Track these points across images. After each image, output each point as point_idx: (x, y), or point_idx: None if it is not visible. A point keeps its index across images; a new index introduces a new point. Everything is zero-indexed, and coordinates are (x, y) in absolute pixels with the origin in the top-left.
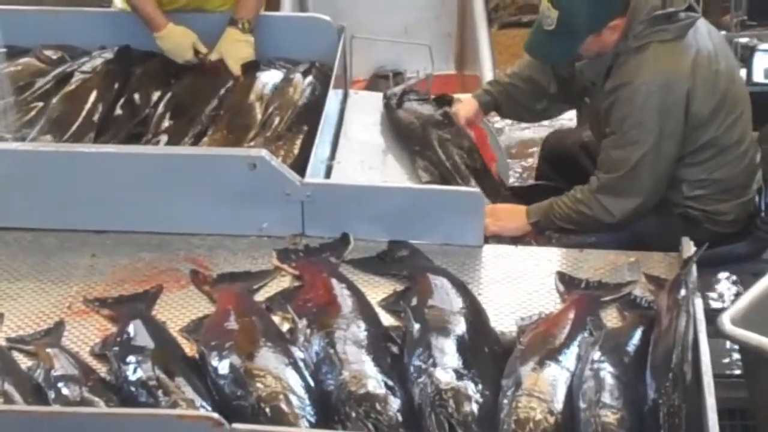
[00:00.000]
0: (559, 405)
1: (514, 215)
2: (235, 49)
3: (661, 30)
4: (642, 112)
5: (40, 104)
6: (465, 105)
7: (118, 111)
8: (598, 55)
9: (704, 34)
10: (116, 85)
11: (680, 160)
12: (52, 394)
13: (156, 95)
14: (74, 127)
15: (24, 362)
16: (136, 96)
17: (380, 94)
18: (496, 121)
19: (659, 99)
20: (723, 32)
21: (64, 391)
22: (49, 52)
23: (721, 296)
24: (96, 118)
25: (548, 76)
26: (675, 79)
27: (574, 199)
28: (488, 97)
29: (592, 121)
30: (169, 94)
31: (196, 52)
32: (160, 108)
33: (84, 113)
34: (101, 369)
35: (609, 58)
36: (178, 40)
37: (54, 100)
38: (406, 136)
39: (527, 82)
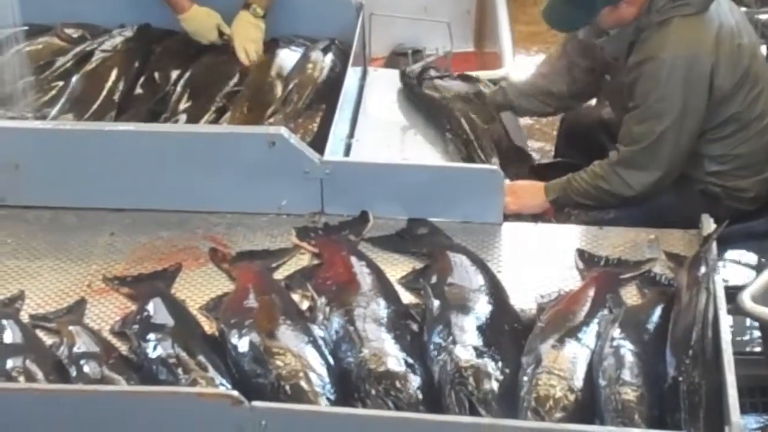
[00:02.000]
0: (579, 382)
1: (532, 192)
2: (244, 29)
3: (683, 4)
4: (666, 86)
5: (61, 83)
6: None
7: (139, 90)
8: (616, 27)
9: (726, 9)
10: (136, 64)
11: (702, 136)
12: (73, 371)
13: (176, 74)
14: (95, 106)
15: (46, 339)
16: (156, 75)
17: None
18: None
19: (684, 73)
20: (743, 9)
21: (86, 368)
22: (69, 31)
23: (740, 273)
24: (116, 96)
25: (563, 81)
26: (699, 53)
27: (592, 174)
28: (501, 97)
29: (613, 97)
30: (188, 73)
31: (221, 33)
32: (180, 86)
33: (105, 92)
34: (122, 347)
35: (631, 34)
36: (202, 22)
37: (74, 79)
38: (435, 113)
39: (542, 89)
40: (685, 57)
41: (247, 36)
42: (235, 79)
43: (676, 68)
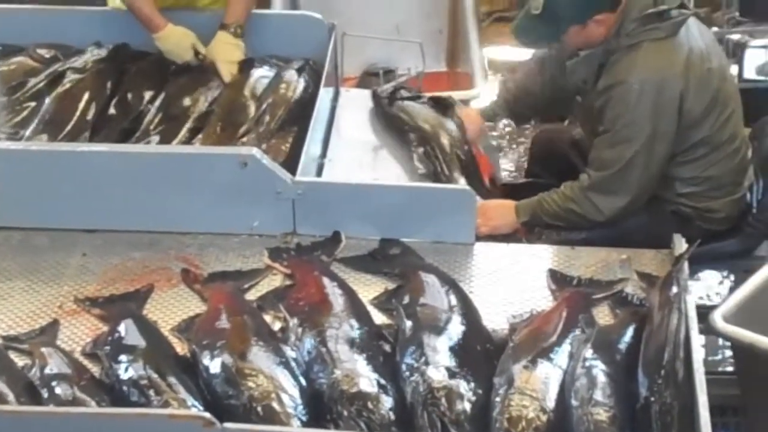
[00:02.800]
0: (551, 403)
1: (503, 213)
2: (225, 52)
3: (653, 28)
4: (635, 110)
5: (33, 104)
6: (471, 122)
7: (112, 110)
8: (584, 47)
9: (695, 32)
10: (109, 84)
11: (673, 159)
12: (45, 393)
13: (149, 94)
14: (69, 127)
15: (18, 361)
16: (129, 95)
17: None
18: None
19: (652, 98)
20: (714, 29)
21: (57, 390)
22: (42, 51)
23: (712, 293)
24: (90, 117)
25: (541, 83)
26: (668, 78)
27: (563, 197)
28: (498, 110)
29: (583, 119)
30: (163, 94)
31: (196, 52)
32: (153, 107)
33: (78, 112)
34: (94, 369)
35: (600, 56)
36: (177, 41)
37: (48, 100)
38: (403, 133)
39: (522, 89)
40: (655, 82)
41: (229, 57)
42: (210, 100)
43: (645, 93)
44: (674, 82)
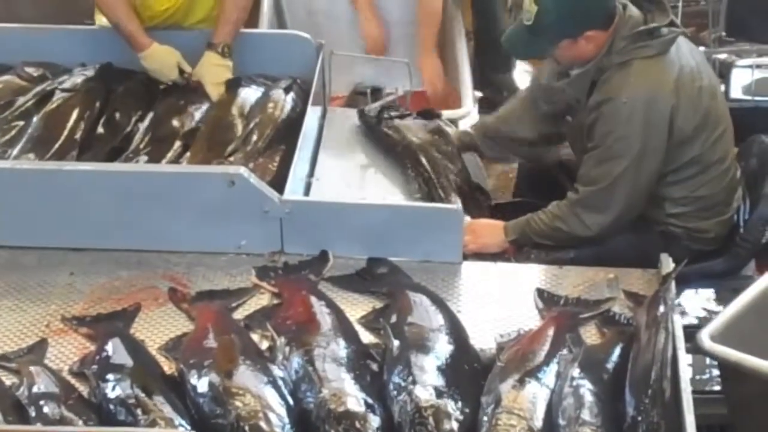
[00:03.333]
0: (538, 422)
1: (492, 232)
2: (214, 73)
3: (643, 46)
4: (626, 127)
5: (21, 123)
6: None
7: (100, 129)
8: (574, 63)
9: (686, 51)
10: (98, 104)
11: (663, 178)
12: (32, 412)
13: (137, 114)
14: (57, 146)
15: (5, 380)
16: (117, 115)
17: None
18: None
19: (643, 115)
20: (701, 48)
21: (45, 409)
22: (30, 70)
23: (699, 313)
24: (78, 136)
25: (526, 128)
26: (659, 95)
27: (551, 215)
28: (467, 138)
29: (573, 138)
30: (151, 114)
31: (181, 71)
32: (142, 126)
33: (66, 132)
34: (82, 388)
35: (592, 74)
36: (162, 60)
37: (35, 119)
38: (395, 152)
39: (505, 135)
40: (645, 99)
41: (217, 79)
42: (197, 119)
43: (636, 110)
44: (665, 99)
